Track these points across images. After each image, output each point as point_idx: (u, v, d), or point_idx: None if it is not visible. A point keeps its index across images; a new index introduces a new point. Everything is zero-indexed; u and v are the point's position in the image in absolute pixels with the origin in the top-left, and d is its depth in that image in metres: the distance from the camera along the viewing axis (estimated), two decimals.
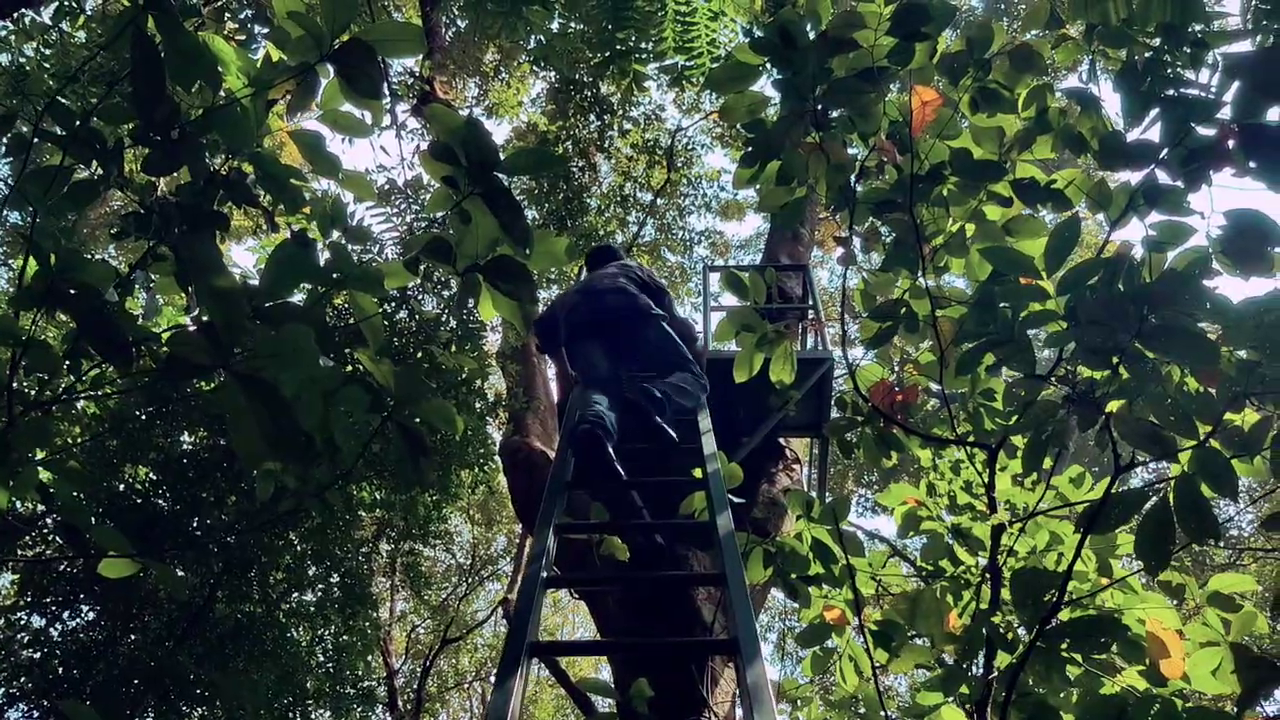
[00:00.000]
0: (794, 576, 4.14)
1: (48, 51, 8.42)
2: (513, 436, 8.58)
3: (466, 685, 19.47)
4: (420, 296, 7.93)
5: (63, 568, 6.36)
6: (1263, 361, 2.71)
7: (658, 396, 5.06)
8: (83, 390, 2.87)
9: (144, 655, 6.37)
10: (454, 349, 7.34)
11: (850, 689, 4.18)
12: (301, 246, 2.42)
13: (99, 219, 14.08)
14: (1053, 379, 3.21)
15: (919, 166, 3.47)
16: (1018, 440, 3.62)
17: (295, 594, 7.70)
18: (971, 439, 3.82)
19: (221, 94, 2.59)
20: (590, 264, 6.65)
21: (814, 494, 6.18)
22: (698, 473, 4.60)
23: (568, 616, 22.17)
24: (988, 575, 3.65)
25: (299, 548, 7.36)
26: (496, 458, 8.40)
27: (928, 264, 3.58)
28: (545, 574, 3.68)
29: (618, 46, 6.72)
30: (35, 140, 2.65)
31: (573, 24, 7.47)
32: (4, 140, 2.79)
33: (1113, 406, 2.97)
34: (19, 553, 6.45)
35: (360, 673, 8.70)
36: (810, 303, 8.40)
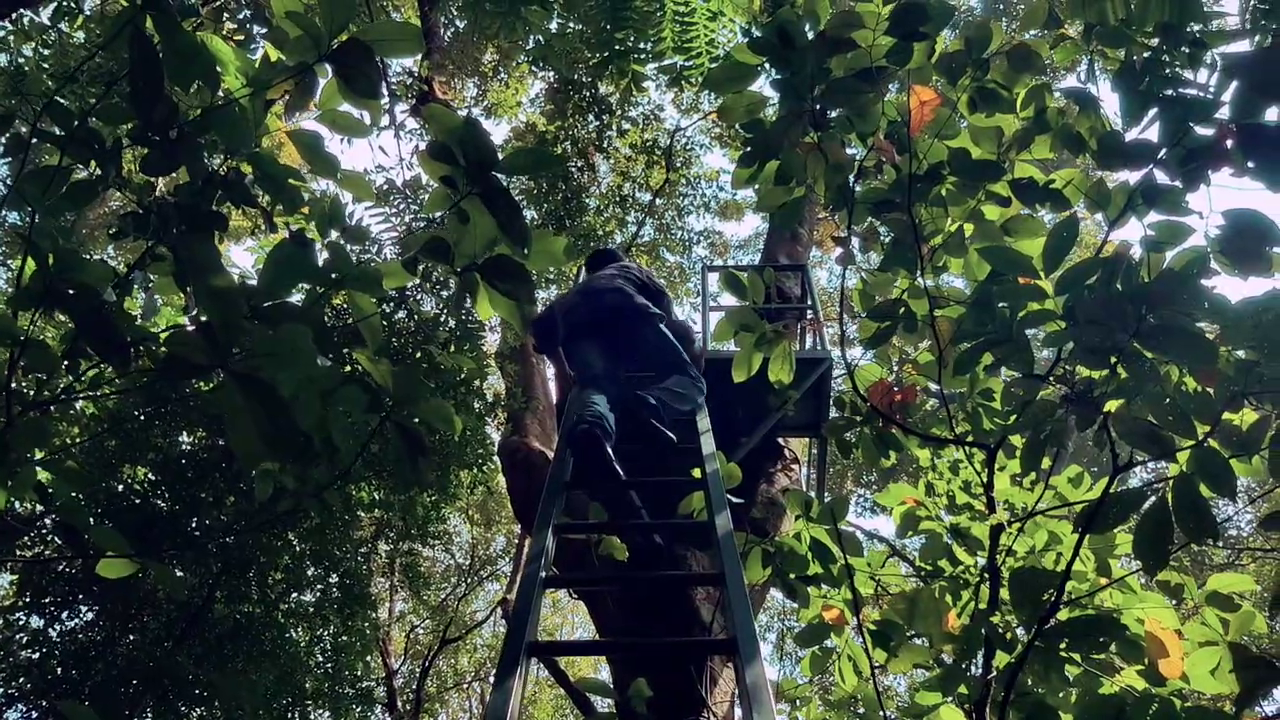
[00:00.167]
0: (793, 576, 4.14)
1: (46, 52, 8.42)
2: (511, 437, 8.59)
3: (465, 685, 19.47)
4: (419, 297, 7.92)
5: (61, 568, 6.36)
6: (1261, 361, 2.71)
7: (653, 403, 5.07)
8: (81, 390, 2.87)
9: (142, 655, 6.36)
10: (452, 349, 7.33)
11: (849, 689, 4.18)
12: (299, 246, 2.42)
13: (98, 219, 14.07)
14: (1051, 378, 3.21)
15: (917, 166, 3.47)
16: (1016, 440, 3.62)
17: (294, 594, 7.69)
18: (970, 439, 3.82)
19: (220, 94, 2.59)
20: (590, 266, 6.67)
21: (813, 494, 6.18)
22: (696, 473, 4.61)
23: (567, 617, 22.17)
24: (986, 575, 3.65)
25: (298, 548, 7.36)
26: (495, 458, 8.40)
27: (926, 264, 3.58)
28: (544, 574, 3.68)
29: (616, 46, 6.72)
30: (34, 140, 2.65)
31: (571, 24, 7.46)
32: (2, 140, 2.79)
33: (1111, 406, 2.97)
34: (18, 553, 6.45)
35: (359, 673, 8.69)
36: (809, 303, 8.41)
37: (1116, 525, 2.98)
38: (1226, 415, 2.80)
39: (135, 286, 2.96)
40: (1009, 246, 3.37)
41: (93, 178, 2.69)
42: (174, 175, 2.74)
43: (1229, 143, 2.84)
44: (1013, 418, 3.44)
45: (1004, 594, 3.49)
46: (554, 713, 20.52)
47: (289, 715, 7.46)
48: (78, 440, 6.74)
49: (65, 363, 2.58)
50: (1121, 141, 3.13)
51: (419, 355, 7.14)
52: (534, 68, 12.99)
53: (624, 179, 13.21)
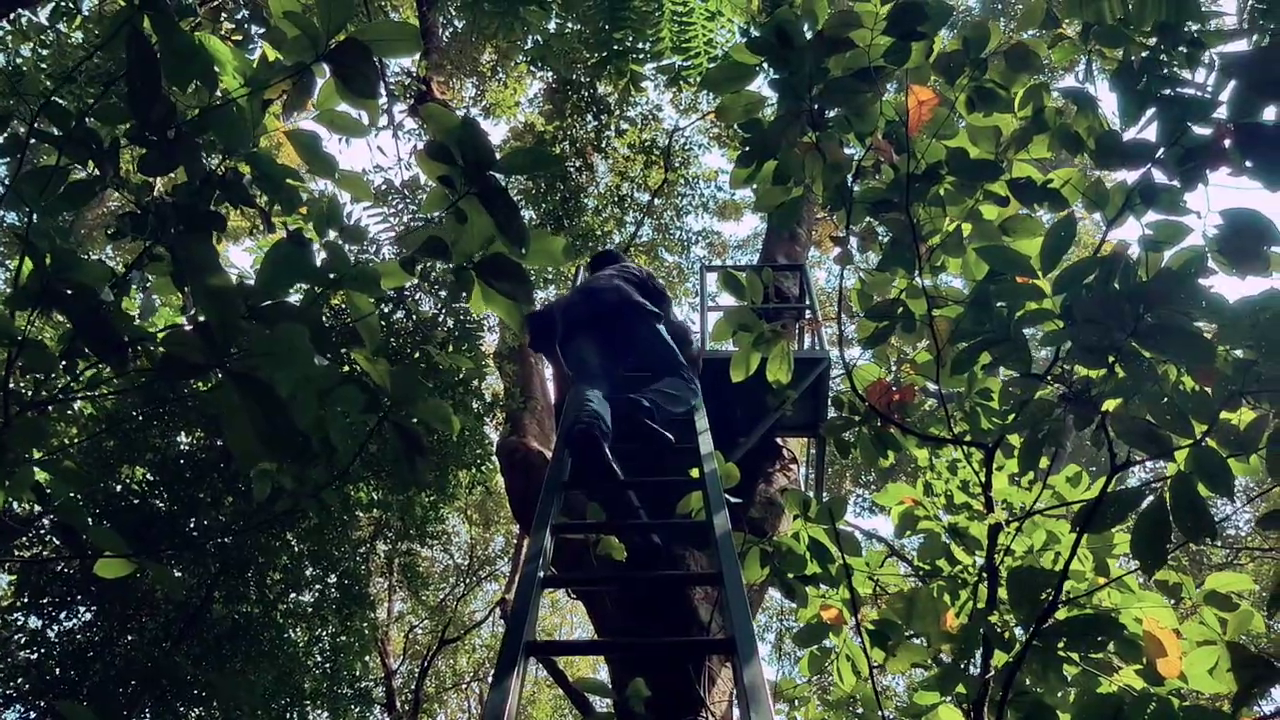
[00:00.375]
0: (791, 576, 4.14)
1: (44, 52, 8.42)
2: (510, 437, 8.59)
3: (464, 686, 19.46)
4: (417, 297, 7.92)
5: (60, 568, 6.35)
6: (1259, 360, 2.71)
7: (646, 404, 5.08)
8: (79, 390, 2.87)
9: (141, 656, 6.36)
10: (451, 349, 7.33)
11: (847, 689, 4.18)
12: (297, 246, 2.42)
13: (96, 219, 14.07)
14: (1049, 378, 3.21)
15: (915, 166, 3.47)
16: (1014, 439, 3.62)
17: (292, 594, 7.69)
18: (968, 438, 3.82)
19: (218, 94, 2.59)
20: (592, 267, 6.70)
21: (811, 494, 6.18)
22: (694, 472, 4.61)
23: (566, 617, 22.16)
24: (984, 574, 3.65)
25: (296, 548, 7.36)
26: (494, 458, 8.40)
27: (924, 263, 3.58)
28: (542, 574, 3.68)
29: (615, 46, 6.72)
30: (32, 140, 2.65)
31: (570, 24, 7.47)
32: (0, 140, 2.79)
33: (1109, 405, 2.97)
34: (16, 553, 6.44)
35: (358, 673, 8.70)
36: (807, 302, 8.41)
37: (1114, 524, 2.98)
38: (1224, 414, 2.80)
39: (133, 286, 2.96)
40: (1007, 246, 3.37)
41: (90, 178, 2.68)
42: (172, 175, 2.74)
43: (1227, 142, 2.85)
44: (1011, 417, 3.44)
45: (1002, 593, 3.49)
46: (553, 713, 20.51)
47: (287, 715, 7.46)
48: (76, 440, 6.74)
49: (63, 363, 2.58)
50: (1119, 141, 3.14)
51: (417, 355, 7.14)
52: (532, 68, 12.99)
53: (622, 179, 13.21)
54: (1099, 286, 2.94)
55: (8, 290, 2.42)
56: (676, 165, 14.12)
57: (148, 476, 6.81)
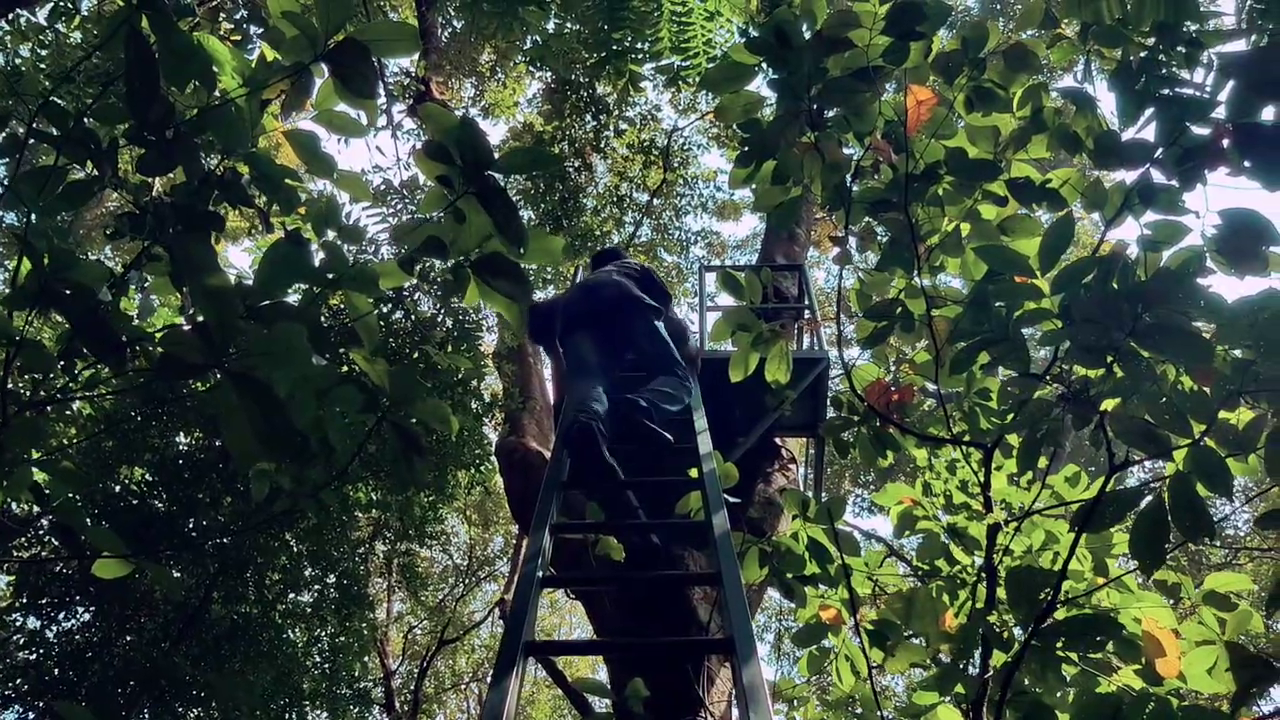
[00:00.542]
0: (790, 576, 4.14)
1: (43, 52, 8.42)
2: (509, 437, 8.59)
3: (464, 686, 19.46)
4: (416, 297, 7.92)
5: (58, 569, 6.35)
6: (1257, 360, 2.71)
7: (643, 405, 5.09)
8: (77, 390, 2.86)
9: (140, 656, 6.36)
10: (450, 349, 7.33)
11: (846, 689, 4.18)
12: (295, 246, 2.42)
13: (95, 219, 14.06)
14: (1047, 378, 3.21)
15: (914, 166, 3.47)
16: (1013, 439, 3.62)
17: (291, 595, 7.69)
18: (967, 438, 3.82)
19: (216, 94, 2.58)
20: (593, 265, 6.75)
21: (810, 494, 6.18)
22: (693, 472, 4.60)
23: (565, 617, 22.17)
24: (983, 574, 3.65)
25: (295, 548, 7.36)
26: (493, 458, 8.40)
27: (923, 263, 3.58)
28: (541, 574, 3.68)
29: (614, 46, 6.72)
30: (30, 140, 2.64)
31: (569, 24, 7.46)
32: None
33: (1107, 405, 2.97)
34: (14, 554, 6.44)
35: (356, 673, 8.69)
36: (806, 302, 8.41)
37: (1113, 524, 2.98)
38: (1223, 414, 2.80)
39: (131, 287, 2.96)
40: (1005, 246, 3.37)
41: (89, 178, 2.68)
42: (170, 175, 2.74)
43: (1225, 142, 2.85)
44: (1009, 417, 3.44)
45: (1001, 593, 3.49)
46: (552, 713, 20.51)
47: (286, 716, 7.46)
48: (75, 441, 6.74)
49: (61, 363, 2.58)
50: (1118, 141, 3.14)
51: (416, 355, 7.14)
52: (531, 68, 12.98)
53: (621, 179, 13.21)
54: (1097, 286, 2.94)
55: (6, 290, 2.42)
56: (675, 165, 14.13)
57: (146, 477, 6.80)
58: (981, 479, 3.72)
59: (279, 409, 2.08)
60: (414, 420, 2.67)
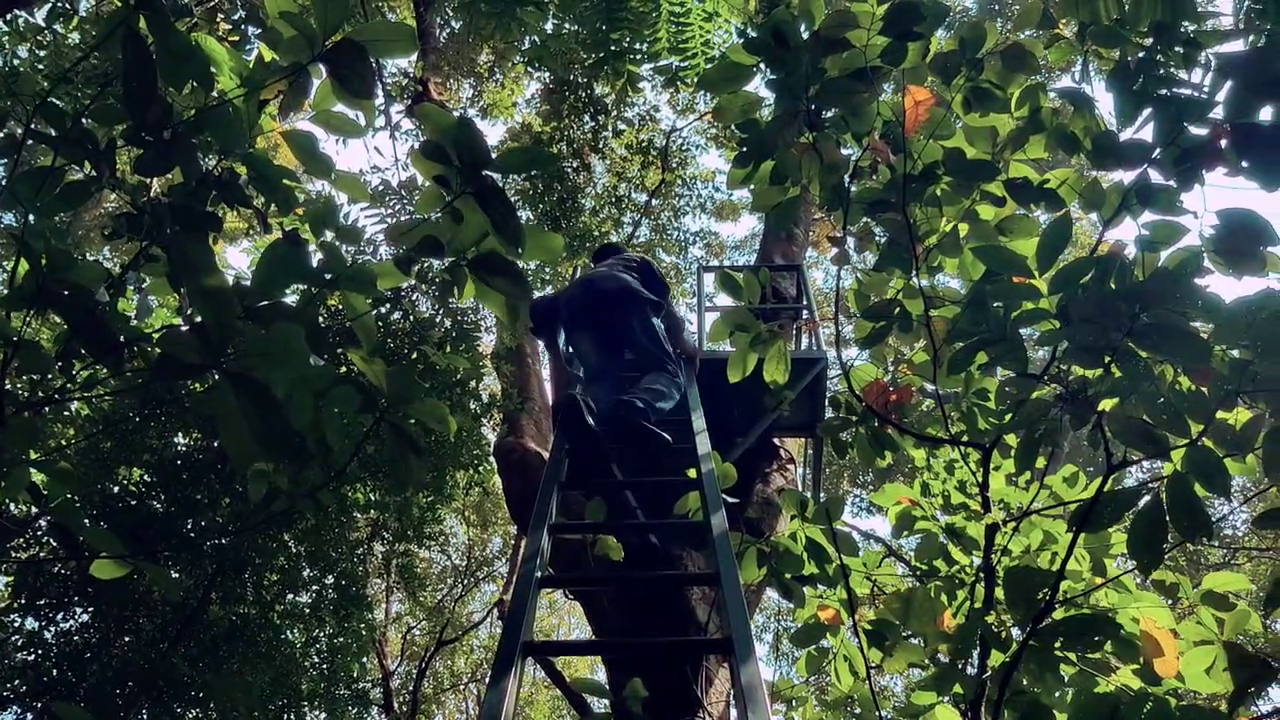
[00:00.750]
0: (788, 576, 4.14)
1: (41, 53, 8.41)
2: (507, 437, 8.58)
3: (462, 687, 19.45)
4: (414, 297, 7.92)
5: (56, 569, 6.35)
6: (1255, 360, 2.72)
7: (640, 406, 5.11)
8: (75, 391, 2.86)
9: (138, 657, 6.35)
10: (448, 350, 7.33)
11: (845, 689, 4.18)
12: (293, 246, 2.42)
13: (93, 220, 14.06)
14: (1045, 378, 3.21)
15: (912, 166, 3.48)
16: (1011, 439, 3.62)
17: (290, 595, 7.68)
18: (965, 438, 3.83)
19: (214, 94, 2.58)
20: (595, 260, 6.79)
21: (808, 494, 6.18)
22: (691, 473, 4.60)
23: (563, 618, 22.17)
24: (982, 574, 3.65)
25: (293, 549, 7.35)
26: (491, 459, 8.39)
27: (921, 264, 3.59)
28: (539, 574, 3.68)
29: (612, 47, 6.72)
30: (28, 141, 2.64)
31: (567, 25, 7.47)
32: None
33: (1105, 405, 2.98)
34: (13, 555, 6.44)
35: (355, 674, 8.69)
36: (804, 303, 8.41)
37: (1111, 524, 2.98)
38: (1221, 414, 2.80)
39: (129, 287, 2.96)
40: (1003, 246, 3.38)
41: (87, 178, 2.68)
42: (168, 176, 2.74)
43: (1223, 142, 2.85)
44: (1008, 417, 3.44)
45: (999, 593, 3.49)
46: (550, 714, 20.51)
47: (285, 716, 7.45)
48: (73, 441, 6.73)
49: (59, 364, 2.58)
50: (1116, 141, 3.14)
51: (414, 356, 7.14)
52: (529, 68, 12.99)
53: (620, 179, 13.21)
54: (1095, 286, 2.94)
55: (4, 291, 2.42)
56: (674, 166, 14.13)
57: (144, 477, 6.80)
58: (980, 479, 3.73)
59: (277, 409, 2.08)
60: (412, 421, 2.67)
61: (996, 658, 3.38)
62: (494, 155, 2.43)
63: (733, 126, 3.73)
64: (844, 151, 3.54)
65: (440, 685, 18.62)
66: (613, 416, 5.10)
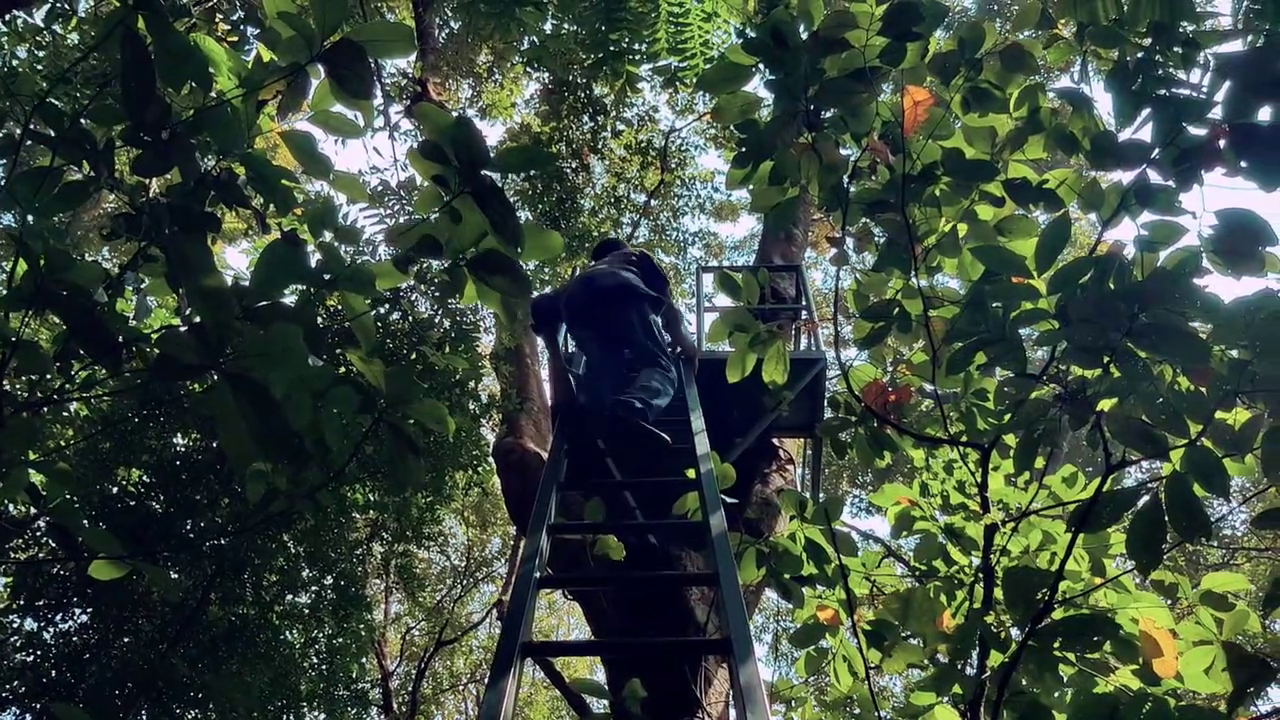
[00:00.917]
0: (787, 577, 4.14)
1: (40, 53, 8.41)
2: (506, 438, 8.57)
3: (461, 687, 19.44)
4: (413, 297, 7.91)
5: (55, 570, 6.34)
6: (1254, 360, 2.72)
7: (639, 406, 5.12)
8: (73, 391, 2.86)
9: (137, 658, 6.35)
10: (447, 350, 7.32)
11: (844, 689, 4.18)
12: (292, 246, 2.42)
13: (91, 220, 14.06)
14: (1044, 378, 3.21)
15: (911, 166, 3.47)
16: (1010, 439, 3.62)
17: (289, 596, 7.68)
18: (964, 439, 3.83)
19: (212, 95, 2.58)
20: (595, 255, 6.80)
21: (807, 494, 6.18)
22: (691, 473, 4.60)
23: (563, 618, 22.17)
24: (981, 575, 3.65)
25: (292, 550, 7.35)
26: (490, 459, 8.39)
27: (920, 264, 3.58)
28: (538, 574, 3.68)
29: (611, 48, 6.71)
30: (27, 141, 2.64)
31: (566, 25, 7.45)
32: None
33: (1104, 405, 2.97)
34: (12, 555, 6.43)
35: (354, 675, 8.68)
36: (803, 303, 8.41)
37: (1110, 524, 2.98)
38: (1219, 414, 2.80)
39: (128, 288, 2.96)
40: (1002, 246, 3.38)
41: (85, 179, 2.68)
42: (167, 176, 2.74)
43: (1222, 142, 2.85)
44: (1006, 417, 3.44)
45: (998, 594, 3.49)
46: (549, 714, 20.50)
47: (284, 717, 7.45)
48: (72, 442, 6.73)
49: (57, 364, 2.57)
50: (1115, 141, 3.14)
51: (413, 356, 7.13)
52: (528, 69, 12.98)
53: (619, 180, 13.21)
54: (1094, 286, 2.94)
55: (3, 291, 2.41)
56: (673, 166, 14.13)
57: (143, 478, 6.80)
58: (979, 479, 3.73)
59: (275, 410, 2.08)
60: (411, 421, 2.67)
61: (995, 658, 3.38)
62: (492, 155, 2.43)
63: (732, 127, 3.73)
64: (843, 152, 3.54)
65: (439, 686, 18.61)
66: (611, 417, 5.11)
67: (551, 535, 4.15)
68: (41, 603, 6.48)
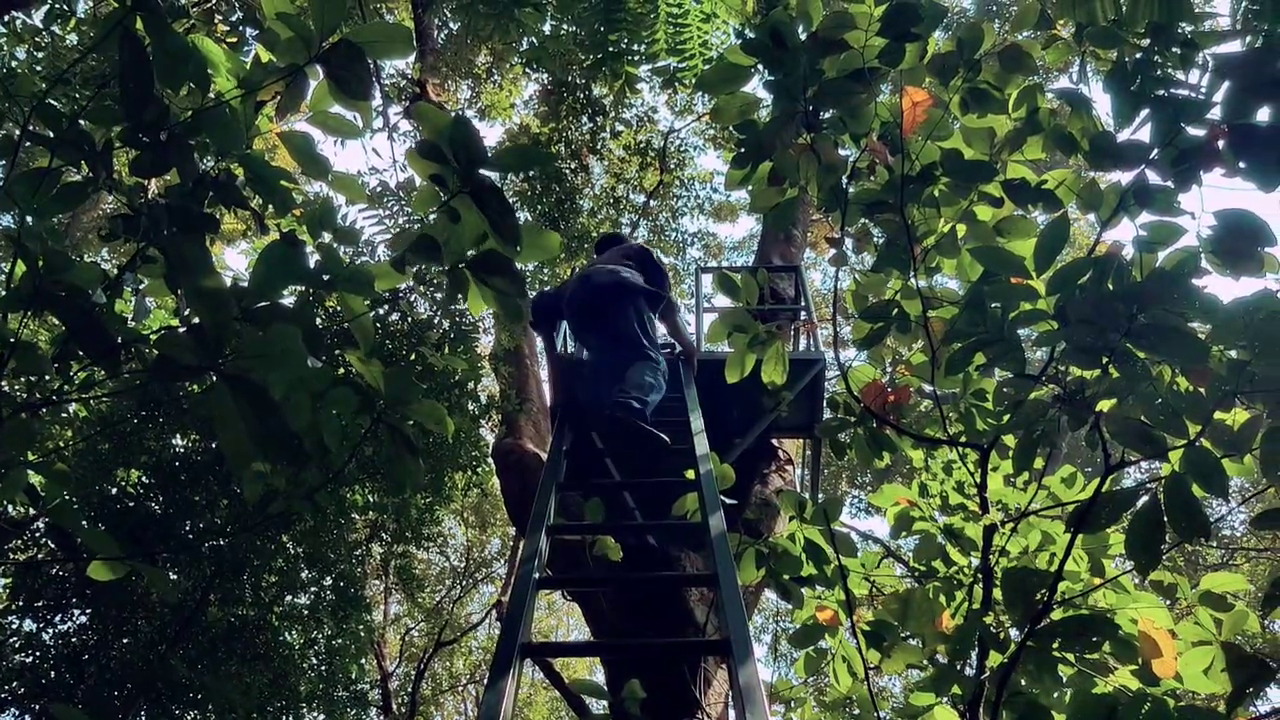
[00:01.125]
0: (786, 577, 4.14)
1: (39, 54, 8.41)
2: (505, 438, 8.57)
3: (461, 688, 19.43)
4: (412, 298, 7.91)
5: (54, 571, 6.34)
6: (1252, 360, 2.72)
7: (636, 406, 5.12)
8: (72, 393, 2.86)
9: (136, 659, 6.34)
10: (446, 351, 7.32)
11: (843, 690, 4.18)
12: (290, 247, 2.42)
13: (90, 221, 14.06)
14: (1043, 379, 3.21)
15: (910, 167, 3.48)
16: (1009, 440, 3.62)
17: (288, 597, 7.67)
18: (963, 439, 3.83)
19: (211, 95, 2.58)
20: (597, 249, 6.81)
21: (806, 495, 6.18)
22: (690, 474, 4.60)
23: (562, 619, 22.16)
24: (980, 575, 3.65)
25: (291, 551, 7.35)
26: (489, 460, 8.39)
27: (919, 264, 3.59)
28: (538, 575, 3.68)
29: (610, 48, 6.72)
30: (25, 142, 2.64)
31: (565, 26, 7.46)
32: None
33: (1103, 406, 2.97)
34: (10, 556, 6.43)
35: (354, 676, 8.67)
36: (802, 304, 8.41)
37: (1108, 525, 2.98)
38: (1218, 415, 2.80)
39: (127, 289, 2.95)
40: (1001, 247, 3.38)
41: (84, 179, 2.68)
42: (165, 177, 2.74)
43: (1220, 143, 2.85)
44: (1005, 418, 3.44)
45: (997, 594, 3.49)
46: (549, 715, 20.50)
47: (283, 718, 7.44)
48: (70, 443, 6.73)
49: (55, 365, 2.57)
50: (1113, 142, 3.14)
51: (412, 357, 7.13)
52: (527, 70, 12.98)
53: (618, 180, 13.21)
54: (1093, 287, 2.94)
55: (1, 292, 2.41)
56: (672, 167, 14.13)
57: (142, 479, 6.79)
58: (978, 480, 3.73)
59: (274, 411, 2.08)
60: (410, 422, 2.67)
61: (995, 658, 3.38)
62: (491, 154, 2.42)
63: (731, 127, 3.73)
64: (842, 152, 3.55)
65: (439, 686, 18.61)
66: (610, 417, 5.11)
67: (551, 536, 4.14)
68: (40, 603, 6.47)
